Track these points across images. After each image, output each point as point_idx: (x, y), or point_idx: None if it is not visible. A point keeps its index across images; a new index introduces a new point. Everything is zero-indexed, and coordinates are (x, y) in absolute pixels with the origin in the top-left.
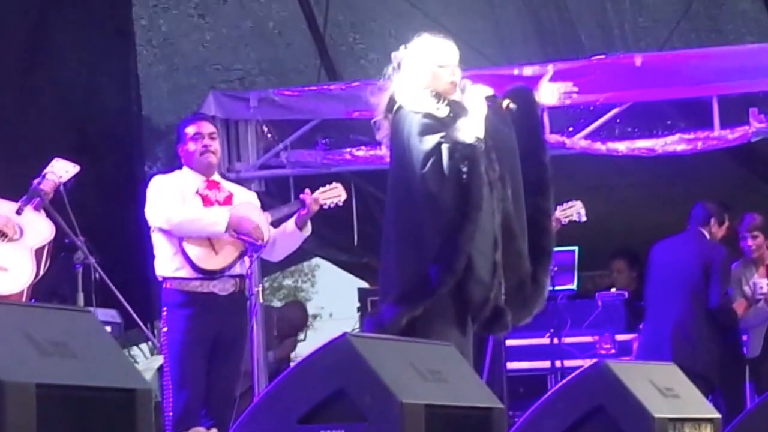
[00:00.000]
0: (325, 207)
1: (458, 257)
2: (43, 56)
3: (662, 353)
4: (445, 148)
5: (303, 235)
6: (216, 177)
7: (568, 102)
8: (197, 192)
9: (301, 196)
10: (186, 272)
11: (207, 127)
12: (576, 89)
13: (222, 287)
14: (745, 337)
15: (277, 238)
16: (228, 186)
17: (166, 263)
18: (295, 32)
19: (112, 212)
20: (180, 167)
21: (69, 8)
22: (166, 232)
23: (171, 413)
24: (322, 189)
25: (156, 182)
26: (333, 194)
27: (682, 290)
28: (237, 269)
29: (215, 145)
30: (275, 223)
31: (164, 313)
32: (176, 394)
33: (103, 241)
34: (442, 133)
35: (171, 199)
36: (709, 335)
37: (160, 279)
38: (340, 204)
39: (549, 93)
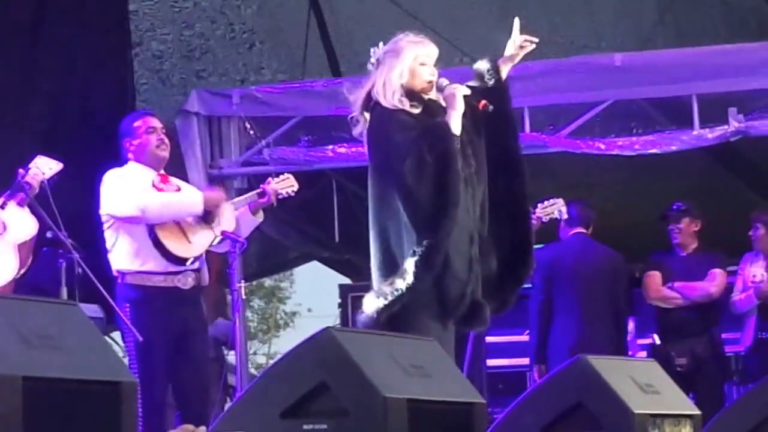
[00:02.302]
0: (280, 197)
1: (435, 253)
2: (39, 52)
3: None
4: (422, 144)
5: (256, 221)
6: (162, 172)
7: (530, 47)
8: (153, 184)
9: (262, 186)
10: (153, 266)
11: (158, 122)
12: (535, 40)
13: (184, 281)
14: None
15: (240, 222)
16: (174, 180)
17: (130, 258)
18: (299, 29)
19: (96, 207)
20: (123, 162)
21: (65, 6)
22: (132, 221)
23: (141, 410)
24: (276, 180)
25: (114, 175)
26: (286, 184)
27: (595, 298)
28: (196, 263)
29: (167, 140)
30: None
31: (126, 310)
32: (143, 390)
33: (87, 236)
34: (419, 130)
35: (139, 189)
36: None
37: (116, 274)
38: (292, 194)
39: (511, 48)
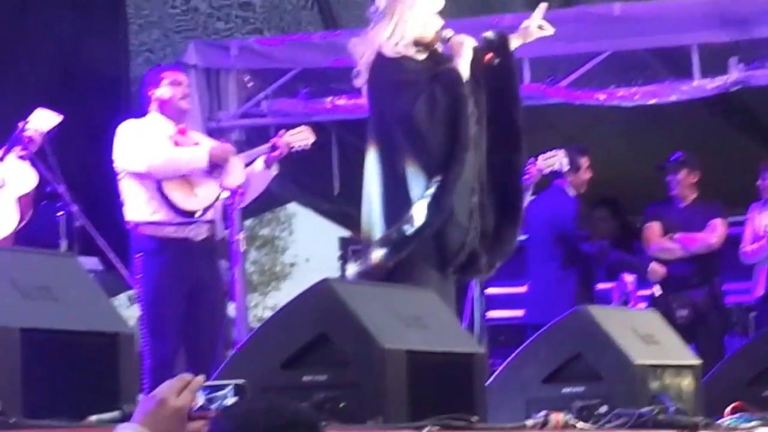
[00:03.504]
0: (294, 150)
1: (445, 196)
2: (33, 2)
3: (535, 314)
4: (435, 87)
5: (271, 174)
6: (182, 125)
7: (544, 34)
8: (169, 137)
9: (274, 140)
10: (162, 215)
11: (185, 78)
12: (552, 30)
13: (196, 233)
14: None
15: (251, 179)
16: (194, 134)
17: (140, 208)
18: None
19: (96, 159)
20: (144, 113)
21: None
22: (141, 176)
23: (148, 361)
24: (291, 132)
25: (128, 127)
26: (301, 137)
27: (542, 250)
28: (209, 214)
29: (189, 96)
30: (246, 167)
31: (138, 260)
32: (153, 341)
33: (86, 188)
34: (431, 74)
35: (148, 143)
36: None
37: (130, 225)
38: (308, 147)
39: (529, 26)
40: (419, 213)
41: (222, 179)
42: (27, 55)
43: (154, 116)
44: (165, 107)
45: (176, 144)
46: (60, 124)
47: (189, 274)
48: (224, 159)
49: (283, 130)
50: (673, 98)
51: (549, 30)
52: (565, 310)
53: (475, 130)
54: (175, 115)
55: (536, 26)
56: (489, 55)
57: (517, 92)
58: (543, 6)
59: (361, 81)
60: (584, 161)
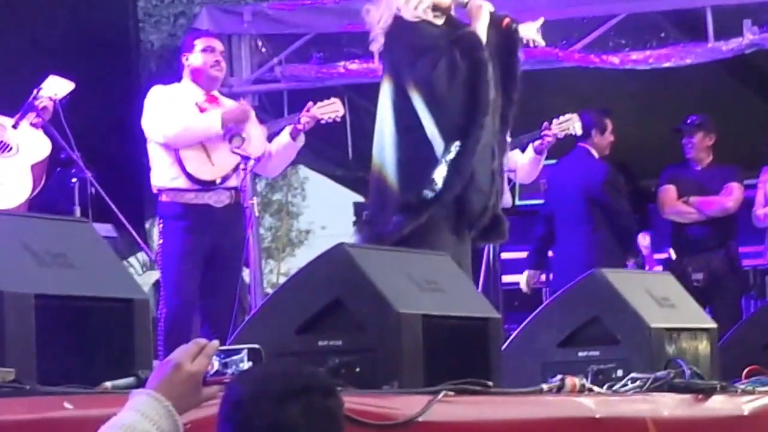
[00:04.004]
0: (323, 122)
1: (465, 160)
2: None
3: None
4: (455, 51)
5: (297, 146)
6: (215, 93)
7: (531, 41)
8: (196, 104)
9: (299, 115)
10: (182, 182)
11: (219, 44)
12: (543, 43)
13: (217, 199)
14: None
15: (274, 152)
16: (226, 102)
17: (163, 174)
18: None
19: (109, 124)
20: (179, 79)
21: None
22: (162, 144)
23: (165, 326)
24: (320, 104)
25: (154, 93)
26: (331, 109)
27: (571, 215)
28: (232, 181)
29: (223, 63)
30: (271, 137)
31: (160, 225)
32: (168, 302)
33: (99, 154)
34: (451, 38)
35: (168, 113)
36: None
37: (155, 191)
38: (338, 120)
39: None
40: (439, 178)
41: (243, 147)
42: (38, 21)
43: (184, 83)
44: (196, 74)
45: (201, 111)
46: (70, 93)
47: (209, 240)
48: (240, 119)
49: (310, 103)
50: (688, 61)
51: (541, 42)
52: None
53: (492, 94)
54: (205, 83)
55: (533, 31)
56: (507, 20)
57: (517, 75)
58: (541, 20)
59: (377, 45)
60: (609, 123)
